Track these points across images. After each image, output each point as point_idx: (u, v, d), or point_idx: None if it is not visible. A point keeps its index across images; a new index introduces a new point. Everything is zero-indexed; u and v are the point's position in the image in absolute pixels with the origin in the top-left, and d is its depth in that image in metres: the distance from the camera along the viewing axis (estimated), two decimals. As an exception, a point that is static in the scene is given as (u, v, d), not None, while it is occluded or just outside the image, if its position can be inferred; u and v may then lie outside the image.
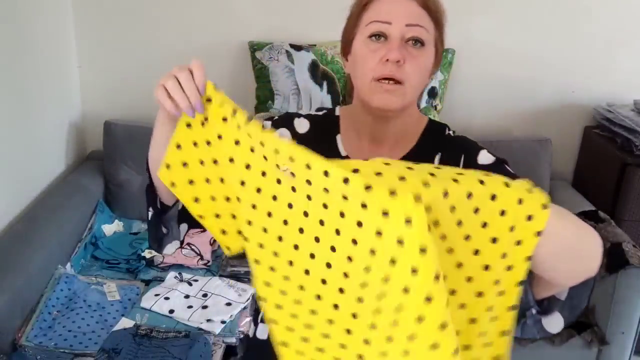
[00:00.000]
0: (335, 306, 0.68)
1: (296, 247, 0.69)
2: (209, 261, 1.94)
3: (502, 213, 0.60)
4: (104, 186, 2.18)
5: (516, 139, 2.24)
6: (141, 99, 2.32)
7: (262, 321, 1.02)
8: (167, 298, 1.73)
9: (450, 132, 0.96)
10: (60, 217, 1.89)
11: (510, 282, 0.64)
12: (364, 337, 0.65)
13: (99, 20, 2.25)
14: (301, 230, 0.68)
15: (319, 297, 0.69)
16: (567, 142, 2.36)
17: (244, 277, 1.85)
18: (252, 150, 0.70)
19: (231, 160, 0.74)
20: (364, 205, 0.58)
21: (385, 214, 0.56)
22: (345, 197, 0.59)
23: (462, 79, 2.25)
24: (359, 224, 0.59)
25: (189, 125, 0.77)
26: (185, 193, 0.82)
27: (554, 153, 2.22)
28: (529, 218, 0.60)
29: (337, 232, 0.63)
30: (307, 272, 0.69)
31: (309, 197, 0.64)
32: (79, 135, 2.33)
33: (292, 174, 0.64)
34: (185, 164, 0.79)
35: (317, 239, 0.66)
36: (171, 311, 1.69)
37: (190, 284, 1.81)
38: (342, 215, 0.61)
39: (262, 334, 1.01)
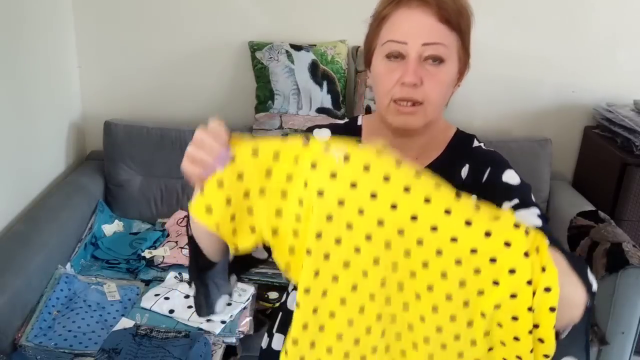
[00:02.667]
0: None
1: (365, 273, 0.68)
2: (209, 261, 1.94)
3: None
4: (104, 186, 2.18)
5: (516, 139, 2.24)
6: (141, 99, 2.33)
7: (278, 331, 1.01)
8: (167, 298, 1.73)
9: (481, 144, 0.93)
10: (60, 217, 1.89)
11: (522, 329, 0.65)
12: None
13: (99, 20, 2.26)
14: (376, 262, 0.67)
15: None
16: (567, 142, 2.36)
17: (244, 278, 1.85)
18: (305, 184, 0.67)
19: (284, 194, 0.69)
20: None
21: (487, 234, 0.61)
22: (434, 228, 0.63)
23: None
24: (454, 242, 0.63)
25: (220, 184, 0.69)
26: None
27: (554, 153, 2.22)
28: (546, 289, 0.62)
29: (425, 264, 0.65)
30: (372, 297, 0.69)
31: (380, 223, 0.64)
32: (79, 135, 2.33)
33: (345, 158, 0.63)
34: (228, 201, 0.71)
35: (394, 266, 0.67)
36: (171, 311, 1.69)
37: (190, 284, 1.81)
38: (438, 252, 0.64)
39: (277, 345, 1.00)
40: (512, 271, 0.61)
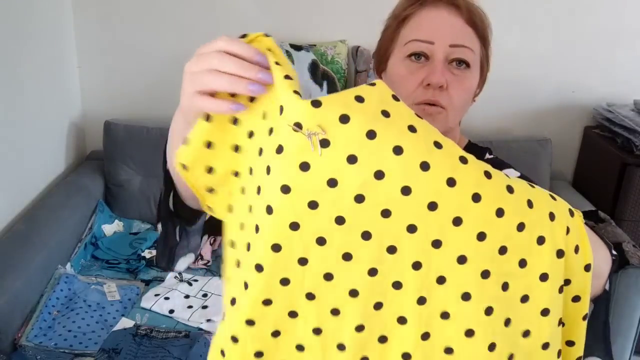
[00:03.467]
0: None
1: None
2: (209, 261, 1.94)
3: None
4: (104, 186, 2.18)
5: (516, 139, 2.23)
6: (141, 99, 2.33)
7: None
8: (167, 298, 1.73)
9: (494, 157, 0.91)
10: (60, 217, 1.89)
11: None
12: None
13: (99, 20, 2.25)
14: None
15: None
16: (567, 142, 2.36)
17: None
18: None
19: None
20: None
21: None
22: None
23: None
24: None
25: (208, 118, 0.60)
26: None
27: (554, 153, 2.22)
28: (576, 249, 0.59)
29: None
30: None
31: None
32: (79, 135, 2.33)
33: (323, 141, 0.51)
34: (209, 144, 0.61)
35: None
36: (171, 311, 1.69)
37: (190, 284, 1.81)
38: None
39: None
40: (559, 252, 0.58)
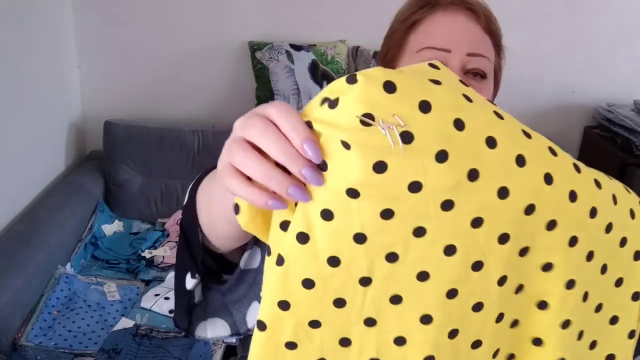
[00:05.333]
0: None
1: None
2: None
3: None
4: (104, 186, 2.18)
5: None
6: (141, 99, 2.33)
7: None
8: (167, 298, 1.73)
9: None
10: (60, 217, 1.89)
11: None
12: None
13: (99, 20, 2.26)
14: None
15: None
16: (567, 142, 2.36)
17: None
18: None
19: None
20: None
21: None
22: None
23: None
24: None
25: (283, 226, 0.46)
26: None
27: (554, 153, 2.22)
28: None
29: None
30: None
31: None
32: (79, 135, 2.33)
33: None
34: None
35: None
36: (171, 311, 1.69)
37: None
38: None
39: None
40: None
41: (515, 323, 0.52)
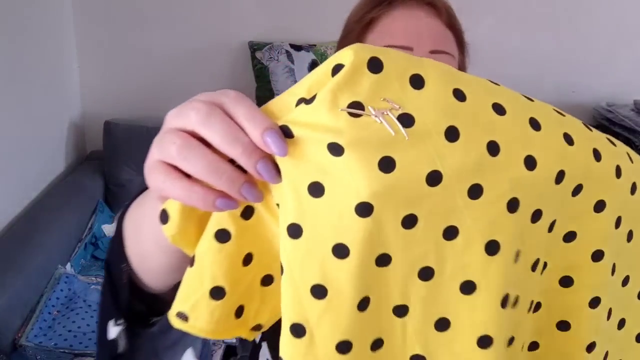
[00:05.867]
0: None
1: None
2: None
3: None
4: (104, 186, 2.18)
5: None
6: (141, 99, 2.33)
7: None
8: (167, 298, 1.73)
9: None
10: (60, 217, 1.89)
11: None
12: None
13: (99, 20, 2.25)
14: None
15: None
16: (567, 142, 2.36)
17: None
18: None
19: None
20: None
21: None
22: None
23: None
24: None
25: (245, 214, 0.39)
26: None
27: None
28: None
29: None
30: None
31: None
32: (79, 135, 2.33)
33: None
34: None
35: None
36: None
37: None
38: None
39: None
40: None
41: (538, 306, 0.45)
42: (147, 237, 0.44)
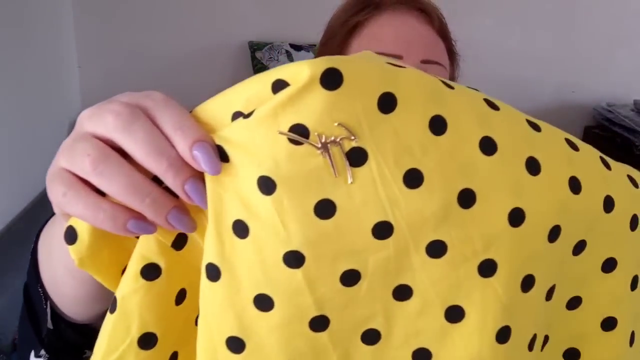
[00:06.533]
0: None
1: None
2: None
3: None
4: (104, 186, 2.17)
5: (516, 139, 2.23)
6: (141, 99, 2.33)
7: None
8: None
9: None
10: (60, 217, 1.89)
11: None
12: None
13: (99, 20, 2.25)
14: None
15: None
16: (567, 142, 2.36)
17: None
18: None
19: None
20: None
21: None
22: None
23: (463, 79, 2.24)
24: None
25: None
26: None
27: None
28: None
29: None
30: None
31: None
32: (79, 135, 2.33)
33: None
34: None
35: None
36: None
37: None
38: None
39: None
40: None
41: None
42: (57, 261, 0.38)
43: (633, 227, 0.35)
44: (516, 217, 0.30)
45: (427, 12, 0.63)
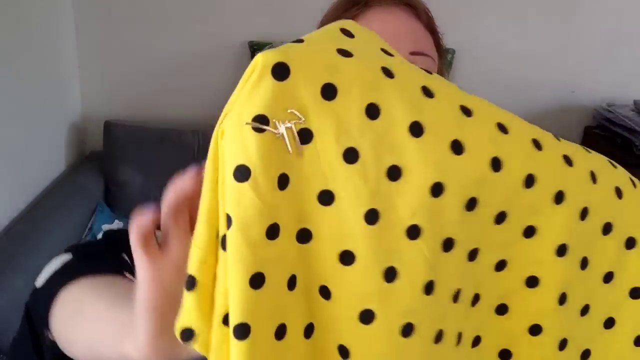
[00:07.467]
0: None
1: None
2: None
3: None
4: (104, 186, 2.17)
5: (516, 139, 2.23)
6: (141, 99, 2.33)
7: None
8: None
9: None
10: (60, 217, 1.89)
11: None
12: None
13: (99, 20, 2.25)
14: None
15: None
16: (567, 142, 2.36)
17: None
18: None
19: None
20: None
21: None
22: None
23: (462, 79, 2.25)
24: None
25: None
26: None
27: (554, 153, 2.22)
28: None
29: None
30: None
31: None
32: (79, 135, 2.33)
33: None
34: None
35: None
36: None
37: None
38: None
39: None
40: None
41: (478, 340, 0.45)
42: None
43: (558, 201, 0.41)
44: (436, 189, 0.36)
45: (414, 7, 0.66)
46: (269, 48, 1.51)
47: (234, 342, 0.34)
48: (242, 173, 0.33)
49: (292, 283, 0.36)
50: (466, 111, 0.38)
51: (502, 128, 0.39)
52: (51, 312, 0.48)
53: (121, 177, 2.15)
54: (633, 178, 0.52)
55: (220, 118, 0.35)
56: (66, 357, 0.50)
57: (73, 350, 0.47)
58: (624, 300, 0.47)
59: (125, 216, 2.16)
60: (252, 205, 0.33)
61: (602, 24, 2.24)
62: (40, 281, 0.51)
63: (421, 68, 0.47)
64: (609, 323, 0.47)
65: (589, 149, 0.50)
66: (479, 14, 2.20)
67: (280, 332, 0.36)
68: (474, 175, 0.37)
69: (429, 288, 0.38)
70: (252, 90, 0.33)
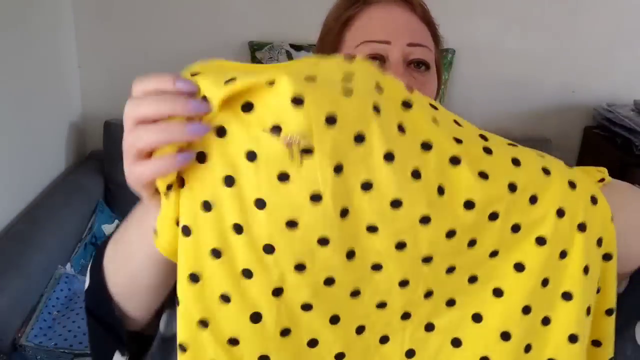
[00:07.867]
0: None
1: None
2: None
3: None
4: (104, 186, 2.18)
5: (516, 139, 2.22)
6: (141, 99, 2.33)
7: None
8: (167, 298, 1.73)
9: None
10: (60, 217, 1.89)
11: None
12: None
13: (99, 20, 2.25)
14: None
15: None
16: (567, 142, 2.36)
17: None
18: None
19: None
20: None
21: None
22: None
23: (462, 79, 2.25)
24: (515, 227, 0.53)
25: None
26: None
27: (554, 153, 2.20)
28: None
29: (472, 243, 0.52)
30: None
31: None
32: (79, 135, 2.33)
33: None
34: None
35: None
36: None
37: None
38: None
39: None
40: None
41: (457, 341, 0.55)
42: (139, 256, 0.52)
43: (492, 218, 0.52)
44: (396, 204, 0.47)
45: (409, 2, 0.71)
46: (269, 48, 1.53)
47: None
48: (251, 156, 0.45)
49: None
50: (426, 146, 0.48)
51: (455, 160, 0.49)
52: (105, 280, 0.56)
53: (121, 177, 2.11)
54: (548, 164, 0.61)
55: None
56: (147, 347, 0.59)
57: (117, 280, 0.55)
58: (557, 301, 0.55)
59: (125, 216, 2.15)
60: (250, 179, 0.46)
61: (602, 24, 2.25)
62: (86, 281, 0.59)
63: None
64: (546, 321, 0.55)
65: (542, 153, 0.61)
66: (479, 14, 2.20)
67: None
68: (425, 197, 0.47)
69: (400, 246, 0.49)
70: (273, 103, 0.44)
